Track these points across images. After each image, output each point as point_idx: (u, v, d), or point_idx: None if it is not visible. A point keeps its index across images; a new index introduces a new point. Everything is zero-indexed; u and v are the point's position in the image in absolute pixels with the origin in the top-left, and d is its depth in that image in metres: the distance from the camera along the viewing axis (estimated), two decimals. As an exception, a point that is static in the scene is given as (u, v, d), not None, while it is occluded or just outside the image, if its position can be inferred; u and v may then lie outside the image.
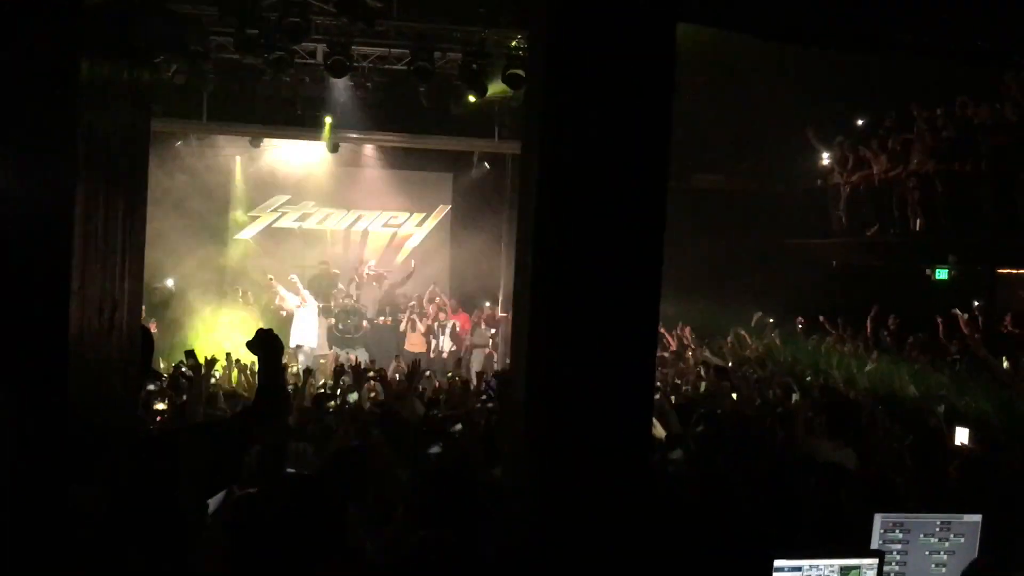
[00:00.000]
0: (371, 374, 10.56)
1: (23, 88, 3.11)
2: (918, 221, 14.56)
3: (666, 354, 15.52)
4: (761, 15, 3.80)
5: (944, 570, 4.56)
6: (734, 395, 9.94)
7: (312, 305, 17.55)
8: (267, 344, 3.86)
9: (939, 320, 12.84)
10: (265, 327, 4.08)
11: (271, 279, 17.87)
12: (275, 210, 20.70)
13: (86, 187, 3.42)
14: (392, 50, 15.37)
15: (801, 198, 18.00)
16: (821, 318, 15.15)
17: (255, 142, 19.12)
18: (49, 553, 3.03)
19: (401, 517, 4.64)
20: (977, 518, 4.61)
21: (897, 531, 4.53)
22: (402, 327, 18.35)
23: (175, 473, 3.41)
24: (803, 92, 16.18)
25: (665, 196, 3.47)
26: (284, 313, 17.66)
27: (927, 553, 4.56)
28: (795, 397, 10.25)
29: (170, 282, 18.21)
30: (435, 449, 6.11)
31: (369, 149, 20.05)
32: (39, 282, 3.06)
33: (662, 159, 3.44)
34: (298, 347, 16.82)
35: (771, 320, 15.88)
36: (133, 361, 3.79)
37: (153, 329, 15.50)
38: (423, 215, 21.27)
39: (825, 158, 17.58)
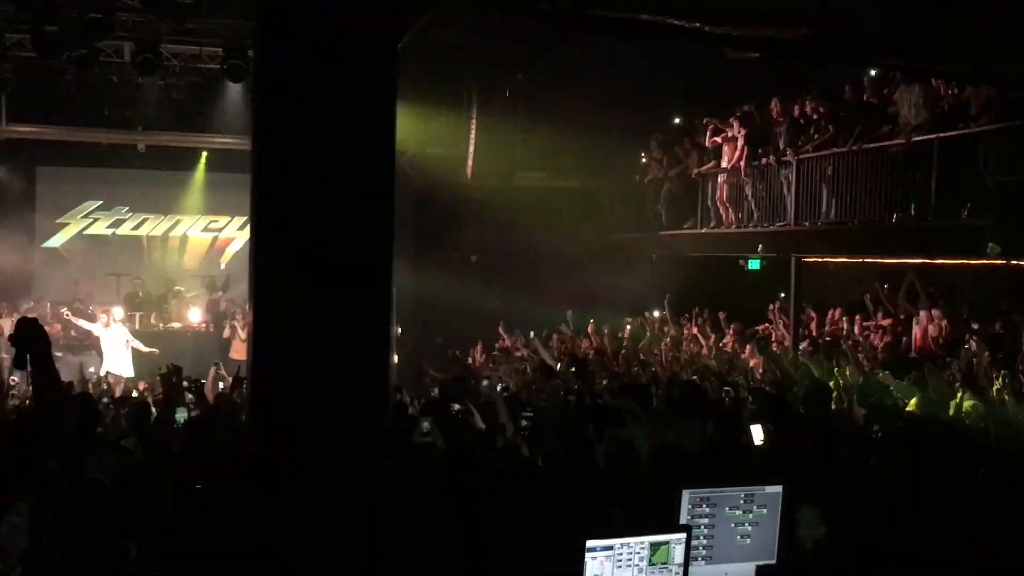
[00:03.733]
0: (185, 384, 10.16)
1: None
2: (730, 214, 15.15)
3: (496, 352, 15.72)
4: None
5: (748, 541, 4.73)
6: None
7: (117, 328, 16.52)
8: (37, 336, 3.55)
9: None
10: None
11: (65, 312, 16.62)
12: (86, 216, 19.75)
13: None
14: (204, 48, 14.92)
15: (621, 195, 18.45)
16: (667, 310, 15.73)
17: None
18: None
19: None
20: (778, 488, 4.80)
21: (704, 505, 4.67)
22: (225, 334, 17.80)
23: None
24: (623, 91, 16.62)
25: (392, 190, 3.44)
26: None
27: (732, 525, 4.71)
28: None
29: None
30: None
31: (186, 151, 19.34)
32: None
33: (387, 153, 3.41)
34: (107, 374, 15.49)
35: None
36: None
37: None
38: (245, 218, 20.71)
39: (643, 156, 18.09)
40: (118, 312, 16.82)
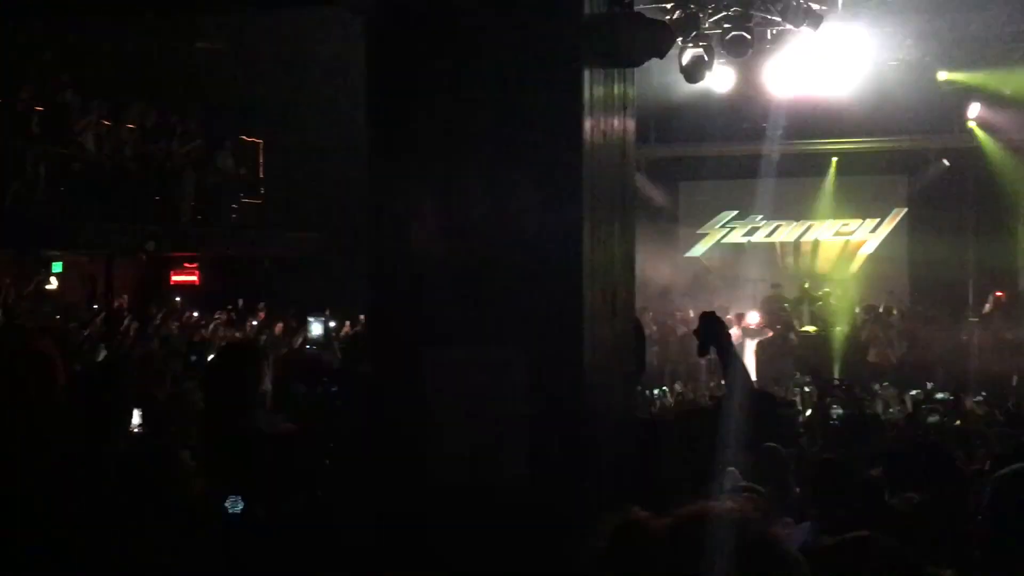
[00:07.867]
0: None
1: (529, 103, 3.40)
2: None
3: None
4: None
5: None
6: None
7: None
8: (718, 329, 3.84)
9: None
10: None
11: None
12: (723, 226, 20.89)
13: (591, 198, 3.64)
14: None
15: None
16: None
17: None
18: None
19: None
20: None
21: None
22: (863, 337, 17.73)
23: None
24: None
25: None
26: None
27: None
28: None
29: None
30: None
31: (814, 157, 19.57)
32: (557, 269, 3.35)
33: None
34: None
35: None
36: (629, 348, 3.98)
37: None
38: (877, 220, 20.36)
39: None
40: None
